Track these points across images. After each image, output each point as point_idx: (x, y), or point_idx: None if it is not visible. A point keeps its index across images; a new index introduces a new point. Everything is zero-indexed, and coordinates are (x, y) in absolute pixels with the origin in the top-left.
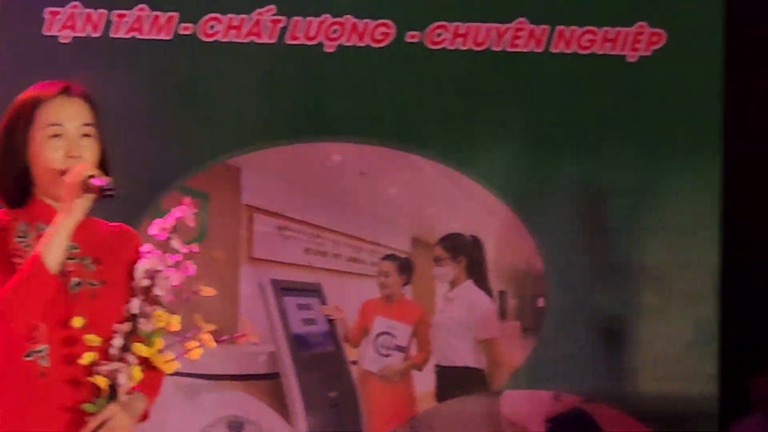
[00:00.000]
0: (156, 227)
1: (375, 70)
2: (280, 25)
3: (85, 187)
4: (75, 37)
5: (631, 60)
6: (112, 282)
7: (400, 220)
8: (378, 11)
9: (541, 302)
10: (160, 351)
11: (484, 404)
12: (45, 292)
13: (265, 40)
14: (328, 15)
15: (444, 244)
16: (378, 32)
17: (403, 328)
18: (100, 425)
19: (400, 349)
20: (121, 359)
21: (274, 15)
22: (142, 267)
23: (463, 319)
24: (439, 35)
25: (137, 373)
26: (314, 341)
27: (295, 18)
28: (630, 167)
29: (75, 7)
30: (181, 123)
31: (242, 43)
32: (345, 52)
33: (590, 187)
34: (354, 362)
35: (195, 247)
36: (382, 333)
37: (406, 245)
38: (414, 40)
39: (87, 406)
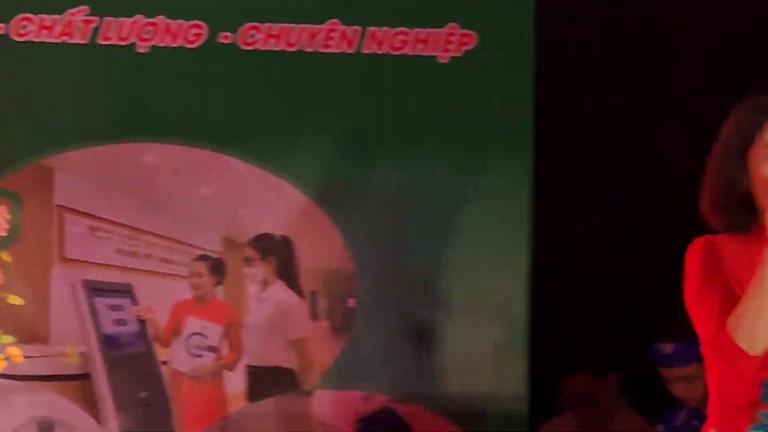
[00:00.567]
0: None
1: (188, 70)
2: (93, 25)
3: None
4: None
5: (443, 61)
6: None
7: (212, 221)
8: (191, 12)
9: (351, 302)
10: None
11: (295, 404)
12: None
13: (77, 40)
14: (141, 15)
15: (255, 244)
16: (191, 33)
17: (214, 328)
18: None
19: (211, 349)
20: None
21: (87, 15)
22: None
23: (274, 319)
24: (252, 36)
25: None
26: (125, 342)
27: (108, 18)
28: (441, 168)
29: None
30: None
31: (55, 43)
32: (158, 52)
33: (401, 188)
34: (165, 362)
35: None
36: (194, 333)
37: (218, 246)
38: (227, 41)
39: None
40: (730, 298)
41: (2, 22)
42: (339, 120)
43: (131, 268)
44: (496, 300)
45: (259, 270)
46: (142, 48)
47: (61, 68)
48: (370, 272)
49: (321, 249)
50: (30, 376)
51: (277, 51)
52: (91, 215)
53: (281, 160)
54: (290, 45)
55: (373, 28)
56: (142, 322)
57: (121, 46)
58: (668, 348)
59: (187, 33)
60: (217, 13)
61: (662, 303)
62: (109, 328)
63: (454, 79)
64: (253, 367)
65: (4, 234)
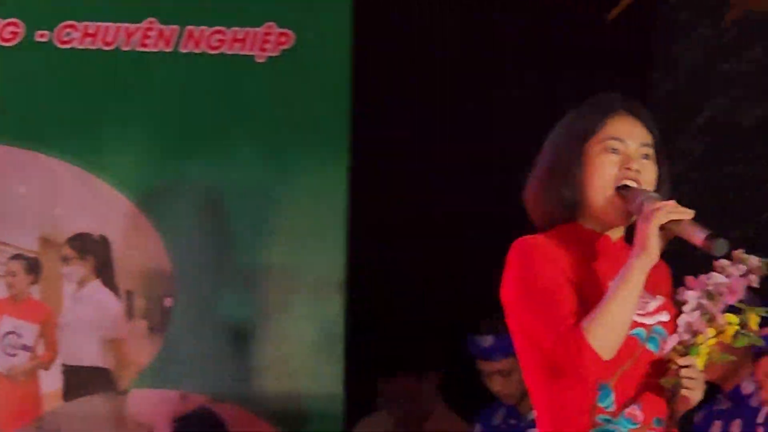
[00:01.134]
0: None
1: (5, 69)
2: None
3: None
4: None
5: (260, 60)
6: None
7: (28, 220)
8: (7, 10)
9: (168, 302)
10: None
11: (110, 404)
12: None
13: None
14: None
15: (72, 243)
16: (7, 31)
17: (29, 327)
18: None
19: (26, 348)
20: None
21: None
22: None
23: (90, 318)
24: (68, 35)
25: None
26: None
27: None
28: (258, 167)
29: None
30: None
31: None
32: None
33: (218, 188)
34: None
35: None
36: (9, 332)
37: (34, 245)
38: (43, 39)
39: None
40: (569, 294)
41: None
42: (157, 119)
43: None
44: (312, 299)
45: (77, 269)
46: None
47: None
48: (187, 272)
49: (138, 248)
50: None
51: (93, 50)
52: None
53: (99, 159)
54: (107, 44)
55: (190, 27)
56: None
57: None
58: (487, 340)
59: (3, 31)
60: (34, 11)
61: (480, 299)
62: None
63: (272, 78)
64: (69, 366)
65: None
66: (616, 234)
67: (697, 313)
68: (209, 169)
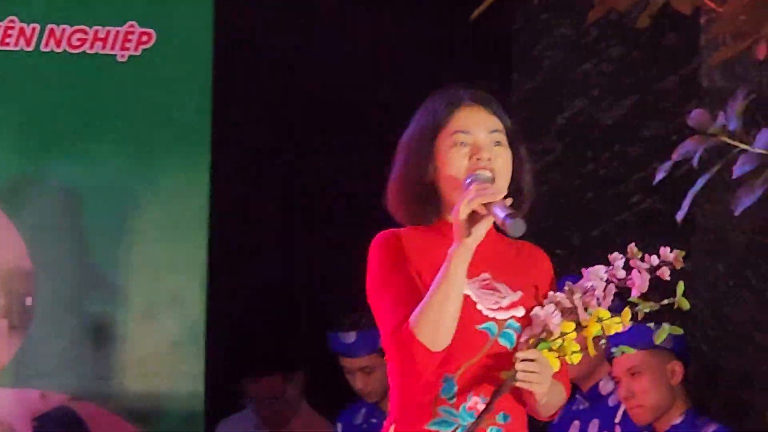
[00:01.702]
0: None
1: None
2: None
3: None
4: None
5: (122, 60)
6: None
7: None
8: None
9: (29, 301)
10: None
11: None
12: None
13: None
14: None
15: None
16: None
17: None
18: None
19: None
20: None
21: None
22: None
23: None
24: None
25: None
26: None
27: None
28: (120, 167)
29: None
30: None
31: None
32: None
33: (79, 187)
34: None
35: None
36: None
37: None
38: None
39: None
40: (413, 291)
41: None
42: (17, 119)
43: None
44: (174, 298)
45: None
46: None
47: None
48: (47, 270)
49: None
50: None
51: None
52: None
53: None
54: None
55: (51, 26)
56: None
57: None
58: (350, 337)
59: None
60: None
61: (343, 296)
62: None
63: (133, 77)
64: None
65: None
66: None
67: (550, 308)
68: (70, 169)
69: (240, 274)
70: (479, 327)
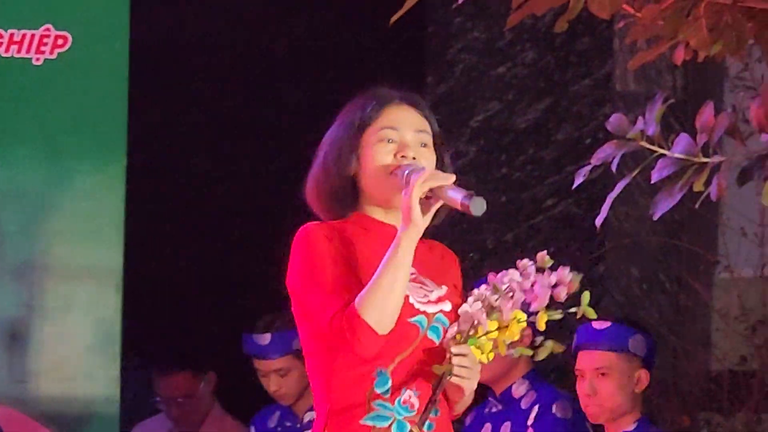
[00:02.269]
0: None
1: None
2: None
3: None
4: None
5: (37, 63)
6: None
7: None
8: None
9: None
10: None
11: None
12: None
13: None
14: None
15: None
16: None
17: None
18: None
19: None
20: None
21: None
22: None
23: None
24: None
25: None
26: None
27: None
28: (35, 170)
29: None
30: None
31: None
32: None
33: None
34: None
35: None
36: None
37: None
38: None
39: None
40: (348, 279)
41: None
42: None
43: None
44: (89, 302)
45: None
46: None
47: None
48: None
49: None
50: None
51: None
52: None
53: None
54: None
55: None
56: None
57: None
58: (265, 338)
59: None
60: None
61: (257, 298)
62: None
63: (49, 80)
64: None
65: None
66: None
67: (478, 304)
68: None
69: (155, 277)
70: (410, 320)
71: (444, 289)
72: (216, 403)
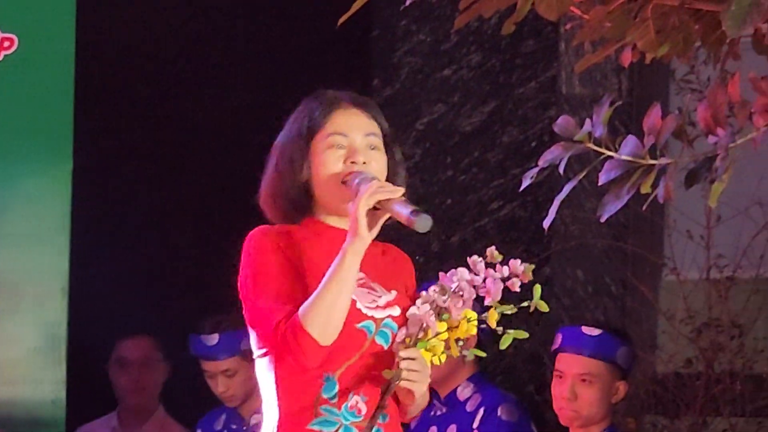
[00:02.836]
0: None
1: None
2: None
3: None
4: None
5: None
6: None
7: None
8: None
9: None
10: None
11: None
12: None
13: None
14: None
15: None
16: None
17: None
18: None
19: None
20: None
21: None
22: None
23: None
24: None
25: None
26: None
27: None
28: None
29: None
30: None
31: None
32: None
33: None
34: None
35: None
36: None
37: None
38: None
39: None
40: (296, 286)
41: None
42: None
43: None
44: (35, 304)
45: None
46: None
47: None
48: None
49: None
50: None
51: None
52: None
53: None
54: None
55: None
56: None
57: None
58: (213, 339)
59: None
60: None
61: (204, 299)
62: None
63: None
64: None
65: None
66: None
67: (426, 307)
68: None
69: (101, 280)
70: (358, 325)
71: (393, 294)
72: (161, 405)
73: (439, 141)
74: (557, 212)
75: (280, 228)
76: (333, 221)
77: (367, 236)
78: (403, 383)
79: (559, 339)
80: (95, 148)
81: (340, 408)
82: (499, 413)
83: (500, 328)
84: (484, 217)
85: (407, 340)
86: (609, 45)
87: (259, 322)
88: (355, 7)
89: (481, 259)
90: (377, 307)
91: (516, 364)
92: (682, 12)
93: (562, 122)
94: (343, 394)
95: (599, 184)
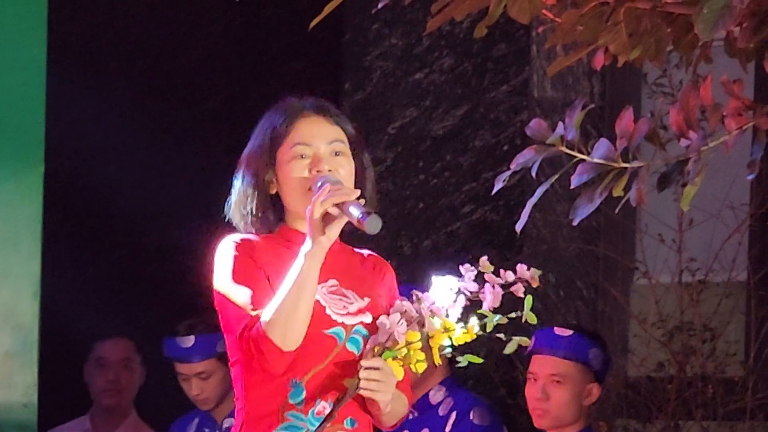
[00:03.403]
0: None
1: None
2: None
3: None
4: None
5: None
6: None
7: None
8: None
9: None
10: None
11: None
12: None
13: None
14: None
15: None
16: None
17: None
18: None
19: None
20: None
21: None
22: None
23: None
24: None
25: None
26: None
27: None
28: None
29: None
30: None
31: None
32: None
33: None
34: None
35: None
36: None
37: None
38: None
39: None
40: (264, 293)
41: None
42: None
43: None
44: (6, 309)
45: None
46: None
47: None
48: None
49: None
50: None
51: None
52: None
53: None
54: None
55: None
56: None
57: None
58: (188, 341)
59: None
60: None
61: (177, 302)
62: None
63: None
64: None
65: None
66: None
67: (396, 316)
68: None
69: (73, 283)
70: (327, 332)
71: (366, 301)
72: (133, 410)
73: (410, 145)
74: (529, 216)
75: (249, 237)
76: (304, 227)
77: (325, 241)
78: (363, 392)
79: (532, 342)
80: (66, 152)
81: (306, 413)
82: (471, 417)
83: (501, 335)
84: (456, 221)
85: (376, 348)
86: (581, 48)
87: (228, 329)
88: (326, 10)
89: (473, 267)
90: (348, 313)
91: (488, 368)
92: (654, 15)
93: (534, 126)
94: (310, 400)
95: (571, 187)
